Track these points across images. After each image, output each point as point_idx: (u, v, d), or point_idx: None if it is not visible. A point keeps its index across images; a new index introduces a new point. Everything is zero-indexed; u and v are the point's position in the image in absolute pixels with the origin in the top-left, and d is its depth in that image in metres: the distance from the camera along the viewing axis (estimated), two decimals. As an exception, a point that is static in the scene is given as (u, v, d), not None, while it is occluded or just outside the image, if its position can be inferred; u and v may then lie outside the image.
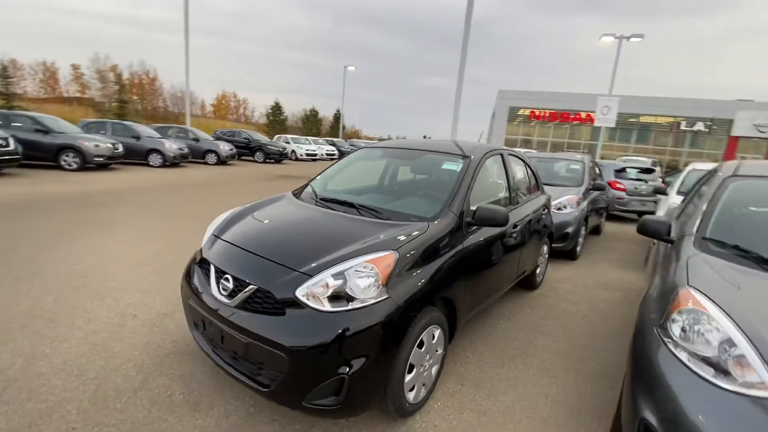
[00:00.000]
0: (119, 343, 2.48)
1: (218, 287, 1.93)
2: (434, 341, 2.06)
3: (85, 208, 5.99)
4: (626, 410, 1.62)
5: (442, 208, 2.33)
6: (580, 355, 2.82)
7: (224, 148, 14.46)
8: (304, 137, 23.42)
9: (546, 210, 3.97)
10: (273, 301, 1.74)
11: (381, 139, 57.04)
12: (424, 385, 2.06)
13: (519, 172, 3.49)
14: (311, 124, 48.89)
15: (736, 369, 1.32)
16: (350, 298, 1.70)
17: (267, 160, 17.61)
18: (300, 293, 1.70)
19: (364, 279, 1.73)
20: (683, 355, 1.44)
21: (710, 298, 1.53)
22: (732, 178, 2.29)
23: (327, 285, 1.72)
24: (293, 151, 20.59)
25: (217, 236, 2.25)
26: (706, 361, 1.39)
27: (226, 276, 1.90)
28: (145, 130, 12.71)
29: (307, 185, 3.07)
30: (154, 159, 12.07)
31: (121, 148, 10.85)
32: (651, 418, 1.42)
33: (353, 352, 1.63)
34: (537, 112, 35.19)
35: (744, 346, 1.34)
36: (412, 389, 1.95)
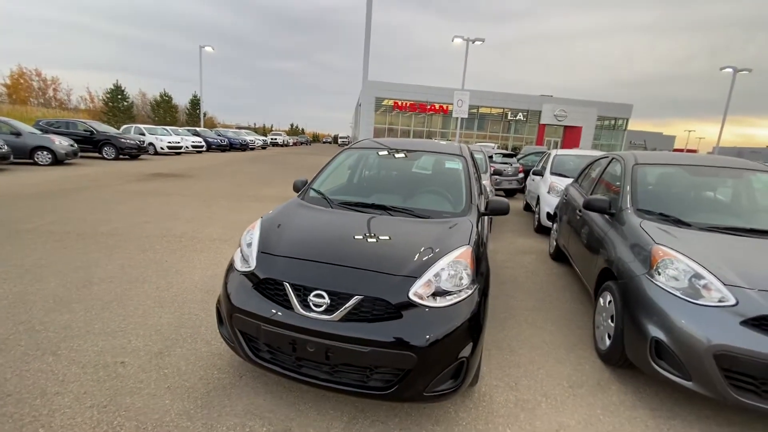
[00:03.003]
0: (135, 397, 2.06)
1: (303, 305, 1.86)
2: None
3: None
4: (633, 337, 2.30)
5: (467, 203, 2.68)
6: (545, 307, 3.60)
7: (62, 143, 11.27)
8: (161, 127, 20.01)
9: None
10: (385, 307, 1.81)
11: (240, 128, 52.07)
12: None
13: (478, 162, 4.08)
14: (165, 112, 41.11)
15: (704, 291, 2.09)
16: (446, 292, 1.91)
17: (120, 157, 14.55)
18: (412, 295, 1.83)
19: (459, 273, 1.96)
20: (672, 289, 2.17)
21: (674, 249, 2.31)
22: (637, 165, 3.29)
23: (430, 283, 1.89)
24: (151, 143, 17.48)
25: (271, 254, 2.08)
26: (686, 290, 2.14)
27: (318, 292, 1.85)
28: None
29: (307, 189, 2.98)
30: (-46, 162, 8.67)
31: None
32: (660, 335, 2.12)
33: (468, 337, 1.87)
34: (400, 103, 38.17)
35: (707, 275, 2.12)
36: None
